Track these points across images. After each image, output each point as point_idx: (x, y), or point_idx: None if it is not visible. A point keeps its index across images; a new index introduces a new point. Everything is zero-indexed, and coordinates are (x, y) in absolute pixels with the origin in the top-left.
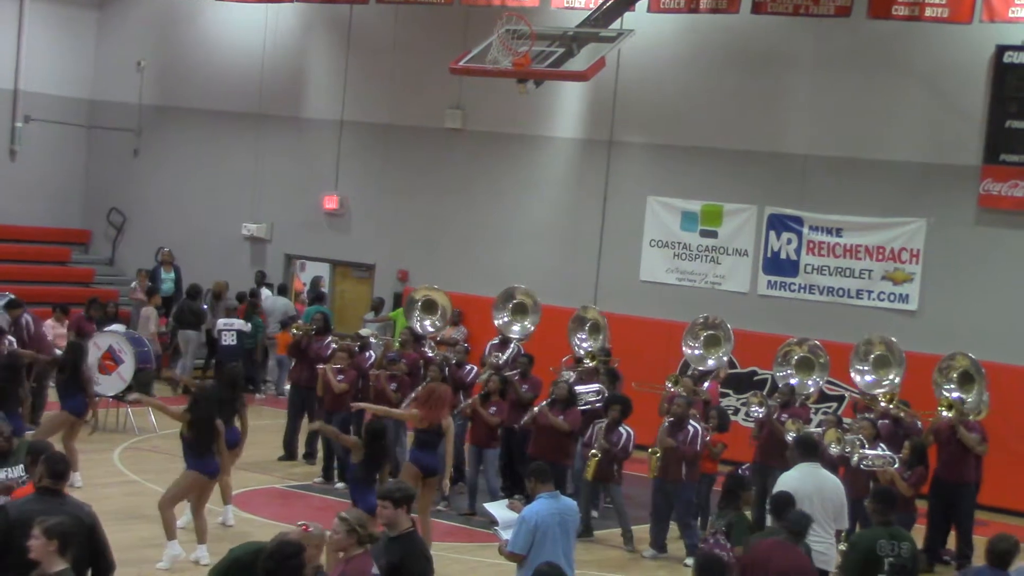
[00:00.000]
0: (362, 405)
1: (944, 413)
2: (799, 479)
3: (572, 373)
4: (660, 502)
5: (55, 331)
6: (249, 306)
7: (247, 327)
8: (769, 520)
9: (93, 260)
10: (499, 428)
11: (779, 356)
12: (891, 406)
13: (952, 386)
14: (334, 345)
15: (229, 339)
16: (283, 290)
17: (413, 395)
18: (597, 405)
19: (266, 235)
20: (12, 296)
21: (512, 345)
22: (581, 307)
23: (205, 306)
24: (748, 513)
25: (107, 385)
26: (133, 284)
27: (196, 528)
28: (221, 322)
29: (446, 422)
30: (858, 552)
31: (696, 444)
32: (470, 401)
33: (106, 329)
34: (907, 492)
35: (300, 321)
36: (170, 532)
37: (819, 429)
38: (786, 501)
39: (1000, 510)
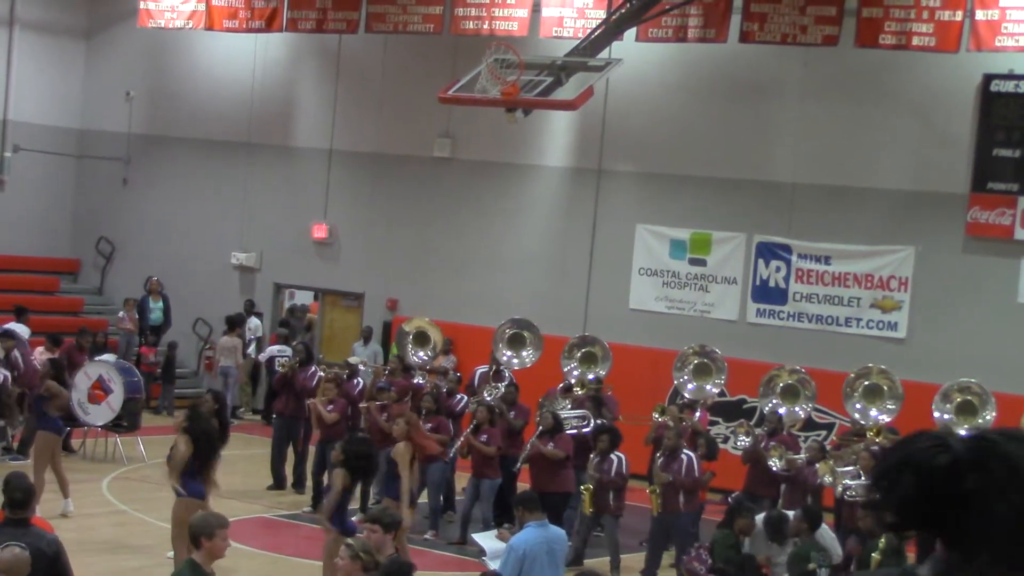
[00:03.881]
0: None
1: None
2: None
3: (568, 402)
4: (658, 533)
5: (42, 358)
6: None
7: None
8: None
9: (82, 289)
10: (496, 457)
11: (764, 383)
12: (878, 438)
13: (950, 409)
14: (320, 374)
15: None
16: (284, 323)
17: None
18: (584, 431)
19: (255, 264)
20: (6, 327)
21: (506, 375)
22: (578, 337)
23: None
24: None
25: (96, 414)
26: (121, 314)
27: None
28: (274, 349)
29: (398, 448)
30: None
31: (693, 473)
32: (463, 439)
33: (96, 359)
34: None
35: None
36: None
37: (803, 456)
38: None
39: None
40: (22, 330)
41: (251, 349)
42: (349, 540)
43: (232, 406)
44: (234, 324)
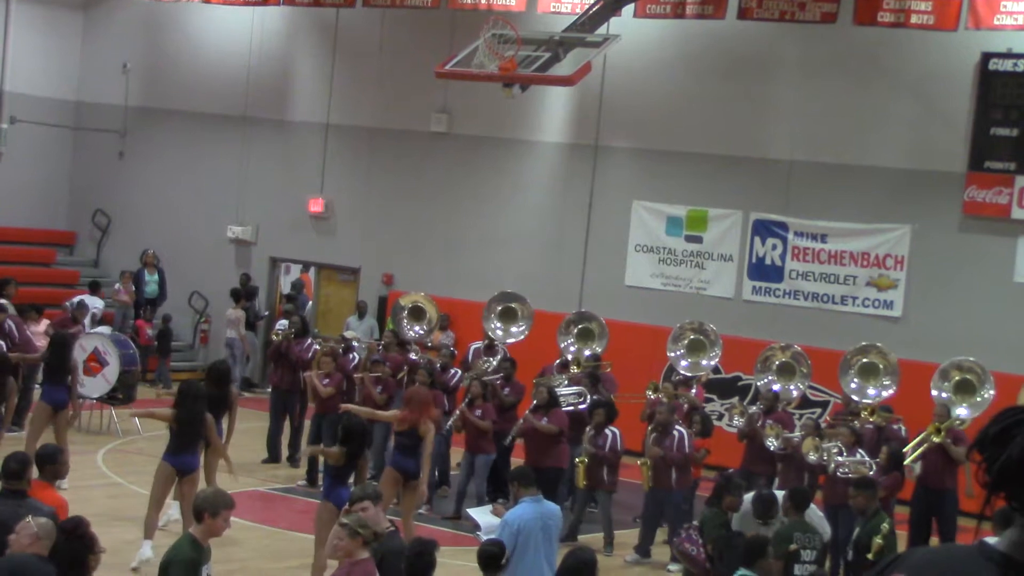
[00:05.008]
0: (349, 407)
1: (934, 439)
2: None
3: (564, 378)
4: (651, 509)
5: (35, 330)
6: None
7: None
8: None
9: (78, 262)
10: (491, 432)
11: (760, 361)
12: (871, 418)
13: (948, 388)
14: (316, 347)
15: None
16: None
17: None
18: (580, 407)
19: (251, 238)
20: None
21: (499, 350)
22: (575, 313)
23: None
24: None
25: (92, 387)
26: (117, 286)
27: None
28: (284, 323)
29: (424, 426)
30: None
31: (684, 448)
32: (459, 413)
33: (91, 331)
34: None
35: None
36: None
37: (799, 435)
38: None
39: (985, 517)
40: (95, 303)
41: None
42: (343, 519)
43: (241, 378)
44: (239, 296)
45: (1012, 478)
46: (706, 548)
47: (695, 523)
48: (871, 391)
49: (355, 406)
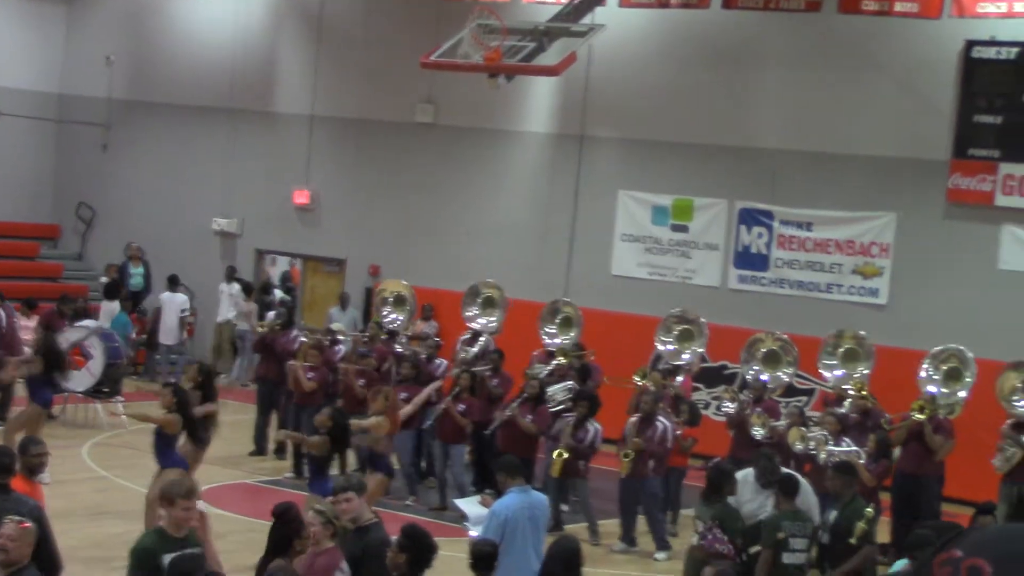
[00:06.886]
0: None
1: (916, 416)
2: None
3: (544, 367)
4: (626, 496)
5: (22, 324)
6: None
7: None
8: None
9: (62, 255)
10: (468, 429)
11: (746, 349)
12: (861, 394)
13: (937, 377)
14: (302, 338)
15: None
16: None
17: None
18: (570, 403)
19: (236, 230)
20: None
21: (482, 339)
22: (552, 302)
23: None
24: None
25: (76, 381)
26: (102, 279)
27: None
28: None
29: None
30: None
31: (666, 442)
32: (444, 405)
33: (76, 324)
34: (870, 482)
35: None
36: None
37: (784, 423)
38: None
39: (967, 503)
40: (172, 298)
41: (232, 315)
42: (319, 506)
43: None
44: (250, 289)
45: None
46: (735, 543)
47: (713, 521)
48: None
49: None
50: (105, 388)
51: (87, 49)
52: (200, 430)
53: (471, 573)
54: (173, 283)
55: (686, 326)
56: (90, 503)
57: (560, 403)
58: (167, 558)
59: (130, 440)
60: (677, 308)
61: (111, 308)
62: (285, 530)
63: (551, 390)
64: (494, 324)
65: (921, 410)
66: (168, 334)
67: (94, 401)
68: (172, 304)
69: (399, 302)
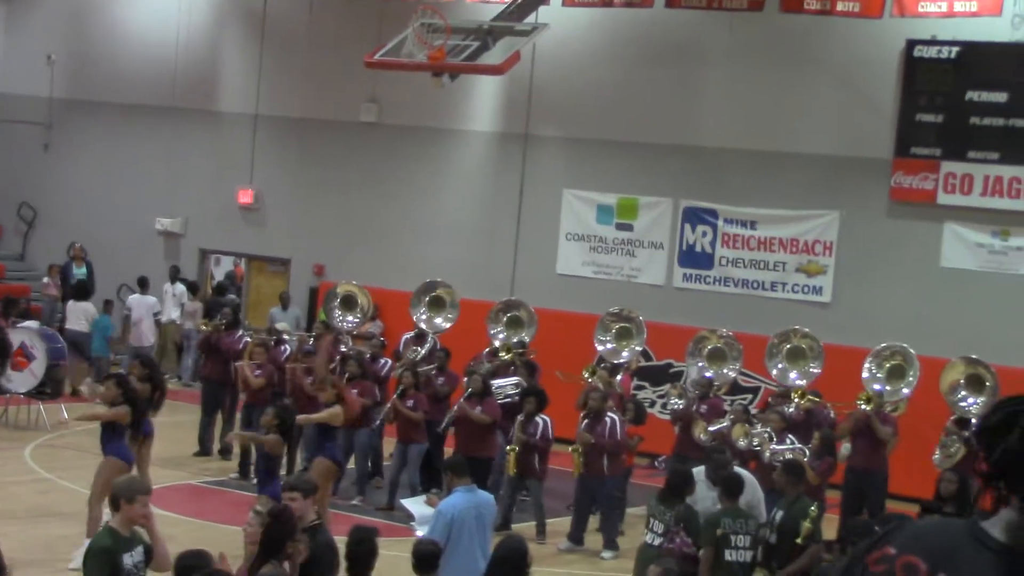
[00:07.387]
0: (302, 419)
1: (862, 406)
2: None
3: (488, 363)
4: (582, 497)
5: None
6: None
7: None
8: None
9: (4, 256)
10: (422, 422)
11: (691, 345)
12: (802, 401)
13: (881, 375)
14: (247, 338)
15: None
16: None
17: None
18: (517, 398)
19: (180, 230)
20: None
21: (428, 339)
22: (504, 301)
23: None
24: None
25: (19, 381)
26: (45, 279)
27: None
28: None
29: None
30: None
31: (616, 435)
32: (390, 405)
33: (19, 325)
34: (815, 480)
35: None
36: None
37: (727, 422)
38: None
39: (912, 499)
40: (142, 300)
41: (176, 315)
42: (259, 507)
43: (195, 369)
44: (196, 289)
45: (1010, 467)
46: (697, 544)
47: (675, 524)
48: (793, 375)
49: (308, 416)
50: (47, 389)
51: (27, 48)
52: (147, 414)
53: (414, 574)
54: (143, 285)
55: (624, 324)
56: (32, 505)
57: (508, 396)
58: (126, 557)
59: (74, 441)
60: (615, 307)
61: (81, 309)
62: (279, 532)
63: (498, 383)
64: (449, 325)
65: (868, 401)
66: (143, 336)
67: (37, 402)
68: (143, 306)
69: (347, 303)
